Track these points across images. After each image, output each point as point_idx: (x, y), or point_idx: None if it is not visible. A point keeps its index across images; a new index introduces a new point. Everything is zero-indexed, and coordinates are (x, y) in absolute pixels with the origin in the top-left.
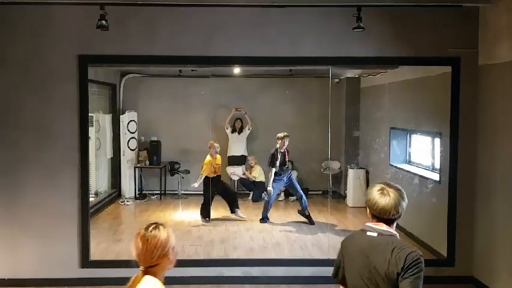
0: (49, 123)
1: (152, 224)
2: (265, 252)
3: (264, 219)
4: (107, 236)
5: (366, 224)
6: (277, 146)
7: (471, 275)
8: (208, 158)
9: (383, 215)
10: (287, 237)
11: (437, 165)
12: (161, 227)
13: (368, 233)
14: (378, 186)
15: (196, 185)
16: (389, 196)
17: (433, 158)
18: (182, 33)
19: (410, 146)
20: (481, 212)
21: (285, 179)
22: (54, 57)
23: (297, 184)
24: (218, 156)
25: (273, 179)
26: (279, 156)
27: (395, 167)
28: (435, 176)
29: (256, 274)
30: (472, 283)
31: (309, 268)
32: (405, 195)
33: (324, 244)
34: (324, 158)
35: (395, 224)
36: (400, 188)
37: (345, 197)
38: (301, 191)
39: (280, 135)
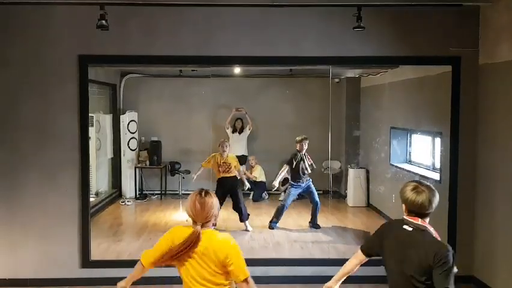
0: (49, 123)
1: (202, 190)
2: (266, 252)
3: (273, 223)
4: (108, 236)
5: (404, 217)
6: (297, 149)
7: (471, 275)
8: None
9: (419, 210)
10: (288, 237)
11: (438, 165)
12: (211, 193)
13: (405, 226)
14: (411, 185)
15: (194, 176)
16: (424, 193)
17: (433, 157)
18: (182, 33)
19: (410, 145)
20: (481, 211)
21: (303, 185)
22: (54, 58)
23: (315, 191)
24: (230, 154)
25: (291, 183)
26: (299, 159)
27: (396, 166)
28: (436, 176)
29: (256, 274)
30: (472, 282)
31: (310, 268)
32: (436, 192)
33: (324, 244)
34: (325, 157)
35: (428, 218)
36: (431, 185)
37: (345, 196)
38: (317, 199)
39: (298, 138)
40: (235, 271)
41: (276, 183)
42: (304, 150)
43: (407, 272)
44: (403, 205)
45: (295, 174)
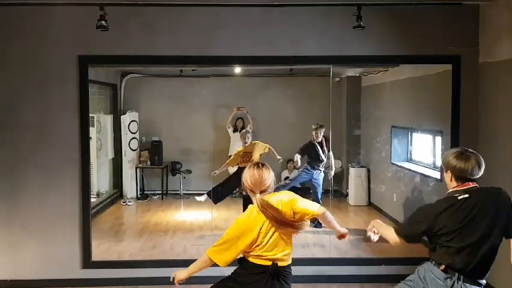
0: (50, 124)
1: (258, 162)
2: None
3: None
4: (109, 237)
5: (453, 190)
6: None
7: None
8: (240, 147)
9: (471, 175)
10: None
11: (438, 164)
12: (266, 164)
13: (460, 197)
14: (457, 151)
15: (217, 172)
16: (472, 157)
17: (434, 156)
18: (182, 33)
19: (411, 144)
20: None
21: (314, 175)
22: (54, 58)
23: (319, 189)
24: (254, 142)
25: (303, 169)
26: (310, 148)
27: (397, 165)
28: (437, 174)
29: None
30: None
31: (311, 267)
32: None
33: (326, 243)
34: None
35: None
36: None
37: (346, 195)
38: (319, 198)
39: (313, 126)
40: (304, 210)
41: (296, 159)
42: (319, 139)
43: (497, 232)
44: (449, 173)
45: (309, 162)
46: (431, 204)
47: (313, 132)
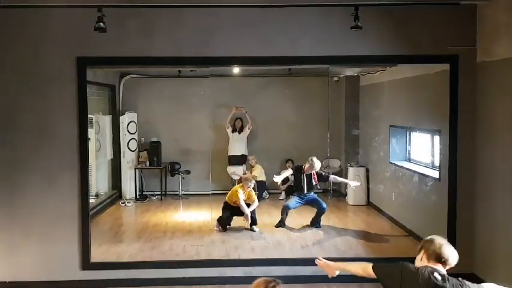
0: (49, 125)
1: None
2: (267, 251)
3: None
4: (108, 238)
5: (433, 267)
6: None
7: (471, 272)
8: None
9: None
10: (288, 236)
11: (437, 163)
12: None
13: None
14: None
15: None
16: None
17: (433, 155)
18: (180, 33)
19: (409, 143)
20: (480, 209)
21: (305, 199)
22: (53, 60)
23: (320, 201)
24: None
25: (295, 193)
26: (301, 177)
27: (395, 164)
28: (435, 174)
29: (257, 274)
30: (472, 280)
31: (311, 267)
32: None
33: (325, 243)
34: (324, 156)
35: None
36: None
37: (345, 195)
38: (324, 205)
39: (309, 160)
40: None
41: (277, 179)
42: (309, 172)
43: None
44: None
45: (297, 188)
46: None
47: (307, 165)
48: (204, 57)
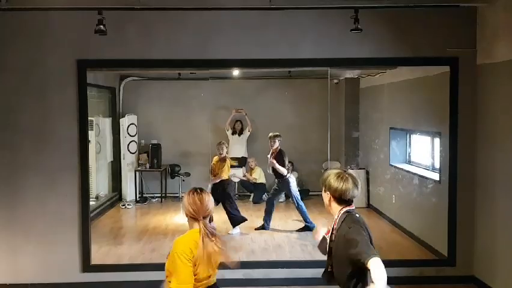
0: (49, 127)
1: (196, 188)
2: (266, 254)
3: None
4: (108, 240)
5: (347, 209)
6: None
7: (472, 275)
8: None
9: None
10: (288, 238)
11: (437, 165)
12: (204, 189)
13: (358, 215)
14: (336, 172)
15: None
16: (350, 179)
17: (433, 157)
18: (180, 36)
19: (409, 146)
20: (481, 211)
21: (280, 187)
22: (53, 62)
23: (293, 194)
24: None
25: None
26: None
27: (395, 167)
28: (435, 176)
29: (257, 276)
30: (473, 282)
31: (311, 270)
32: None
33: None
34: (324, 158)
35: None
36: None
37: None
38: (298, 202)
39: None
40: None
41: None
42: (273, 148)
43: None
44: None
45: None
46: (357, 222)
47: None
48: (204, 60)
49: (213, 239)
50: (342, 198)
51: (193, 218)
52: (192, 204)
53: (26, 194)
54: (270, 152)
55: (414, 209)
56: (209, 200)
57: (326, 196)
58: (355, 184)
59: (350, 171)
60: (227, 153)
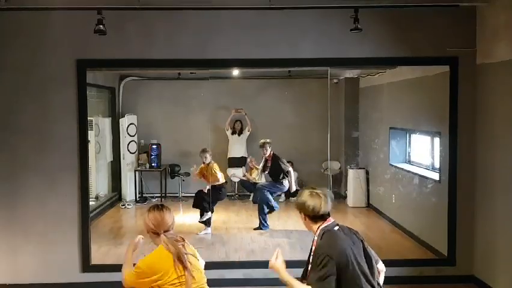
0: (48, 127)
1: (157, 204)
2: (266, 254)
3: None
4: (108, 240)
5: (323, 227)
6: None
7: (472, 274)
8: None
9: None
10: (288, 238)
11: (437, 165)
12: (165, 205)
13: (335, 228)
14: (308, 192)
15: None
16: (321, 194)
17: (433, 157)
18: (180, 36)
19: (409, 145)
20: (481, 211)
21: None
22: (52, 62)
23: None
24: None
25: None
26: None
27: (395, 166)
28: (435, 176)
29: (257, 276)
30: (472, 282)
31: None
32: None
33: None
34: (324, 158)
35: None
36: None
37: (345, 197)
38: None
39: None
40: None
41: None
42: (266, 155)
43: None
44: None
45: None
46: (323, 246)
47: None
48: (204, 60)
49: (180, 243)
50: (315, 216)
51: (154, 233)
52: (152, 220)
53: (26, 193)
54: (264, 159)
55: (414, 209)
56: (169, 216)
57: (302, 217)
58: (325, 199)
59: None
60: (211, 160)
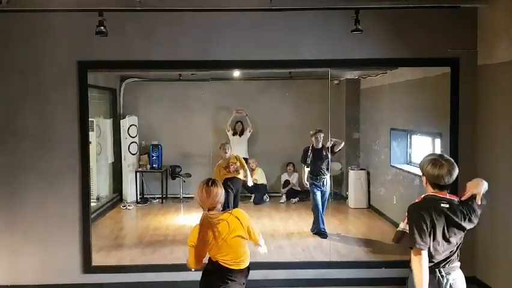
0: (50, 129)
1: (209, 179)
2: (267, 255)
3: (321, 232)
4: (109, 241)
5: (433, 193)
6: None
7: (473, 275)
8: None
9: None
10: (289, 239)
11: None
12: (217, 182)
13: (442, 205)
14: (432, 158)
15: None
16: (445, 165)
17: None
18: (181, 37)
19: (410, 146)
20: (482, 212)
21: (321, 185)
22: (54, 64)
23: (324, 202)
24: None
25: (310, 183)
26: (310, 154)
27: (396, 167)
28: None
29: (258, 277)
30: (474, 284)
31: (312, 271)
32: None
33: (326, 246)
34: None
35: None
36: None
37: (346, 198)
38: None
39: (311, 132)
40: (253, 234)
41: (306, 182)
42: (319, 145)
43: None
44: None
45: (311, 172)
46: (420, 208)
47: (313, 139)
48: (205, 61)
49: (213, 221)
50: (435, 183)
51: (201, 207)
52: (199, 195)
53: (27, 195)
54: (311, 149)
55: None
56: (217, 193)
57: (423, 179)
58: (449, 171)
59: (351, 172)
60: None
